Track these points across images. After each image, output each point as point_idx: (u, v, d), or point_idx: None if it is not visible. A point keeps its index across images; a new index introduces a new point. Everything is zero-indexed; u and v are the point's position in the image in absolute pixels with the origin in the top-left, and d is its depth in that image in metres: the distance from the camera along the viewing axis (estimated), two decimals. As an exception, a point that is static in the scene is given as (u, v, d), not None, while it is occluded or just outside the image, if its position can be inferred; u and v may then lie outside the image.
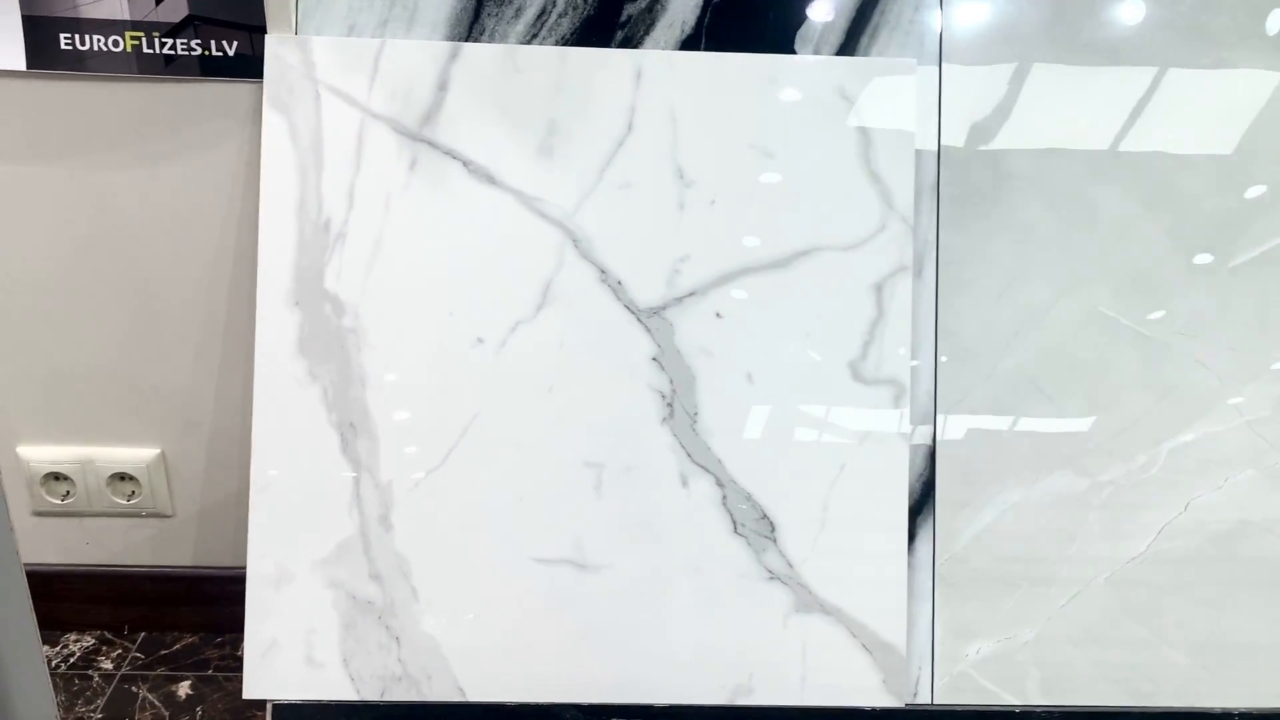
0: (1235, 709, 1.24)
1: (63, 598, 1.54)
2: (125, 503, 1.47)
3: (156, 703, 1.43)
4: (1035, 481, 1.24)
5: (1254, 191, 1.24)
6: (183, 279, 1.34)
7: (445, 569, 1.21)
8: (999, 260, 1.24)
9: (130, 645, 1.54)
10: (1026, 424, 1.24)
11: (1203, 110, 1.23)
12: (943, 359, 1.24)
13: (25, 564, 1.51)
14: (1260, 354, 1.24)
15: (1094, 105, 1.23)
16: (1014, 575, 1.24)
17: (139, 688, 1.46)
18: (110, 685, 1.46)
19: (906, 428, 1.22)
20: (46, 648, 1.52)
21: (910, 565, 1.24)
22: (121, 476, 1.46)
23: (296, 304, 1.20)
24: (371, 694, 1.20)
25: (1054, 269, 1.24)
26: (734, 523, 1.22)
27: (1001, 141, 1.24)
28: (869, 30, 1.24)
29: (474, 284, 1.21)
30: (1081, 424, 1.24)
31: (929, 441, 1.25)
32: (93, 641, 1.54)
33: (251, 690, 1.21)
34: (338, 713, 1.21)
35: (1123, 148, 1.23)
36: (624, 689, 1.22)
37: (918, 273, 1.24)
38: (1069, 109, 1.23)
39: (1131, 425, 1.24)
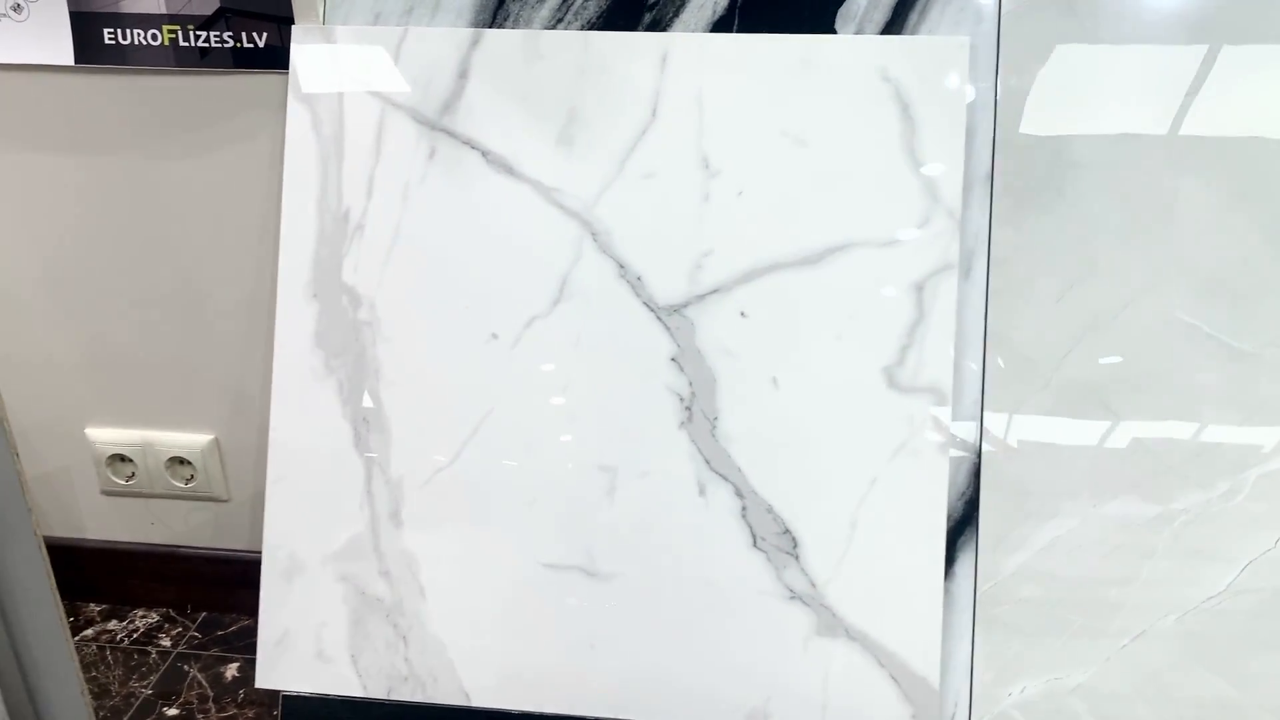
0: (1329, 778, 1.08)
1: (132, 574, 1.60)
2: (183, 486, 1.51)
3: (204, 683, 1.47)
4: (1096, 505, 1.11)
5: (1371, 182, 1.07)
6: (228, 268, 1.36)
7: (454, 569, 1.18)
8: (1060, 259, 1.12)
9: (190, 624, 1.58)
10: (1087, 440, 1.11)
11: (1310, 88, 1.07)
12: (992, 366, 1.13)
13: (97, 540, 1.58)
14: (1374, 370, 1.08)
15: (1174, 86, 1.09)
16: (1067, 608, 1.12)
17: (191, 666, 1.50)
18: (165, 662, 1.51)
19: (947, 440, 1.12)
20: (115, 622, 1.59)
21: (948, 591, 1.13)
22: (181, 461, 1.50)
23: (315, 295, 1.19)
24: (378, 691, 1.19)
25: (1124, 269, 1.11)
26: (754, 536, 1.14)
27: (1066, 127, 1.11)
28: (918, 6, 1.13)
29: (490, 277, 1.17)
30: (1152, 443, 1.10)
31: (973, 456, 1.13)
32: (157, 619, 1.60)
33: (264, 680, 1.21)
34: (345, 709, 1.20)
35: (1208, 133, 1.09)
36: (632, 704, 1.16)
37: (966, 272, 1.13)
38: (1145, 90, 1.09)
39: (1212, 447, 1.10)
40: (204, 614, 1.60)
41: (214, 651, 1.52)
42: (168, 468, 1.50)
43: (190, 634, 1.56)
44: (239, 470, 1.50)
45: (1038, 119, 1.11)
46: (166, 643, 1.55)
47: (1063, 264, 1.12)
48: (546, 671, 1.17)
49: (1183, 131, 1.09)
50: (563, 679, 1.17)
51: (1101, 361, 1.11)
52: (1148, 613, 1.11)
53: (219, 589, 1.58)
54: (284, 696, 1.21)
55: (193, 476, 1.50)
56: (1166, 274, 1.10)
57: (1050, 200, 1.12)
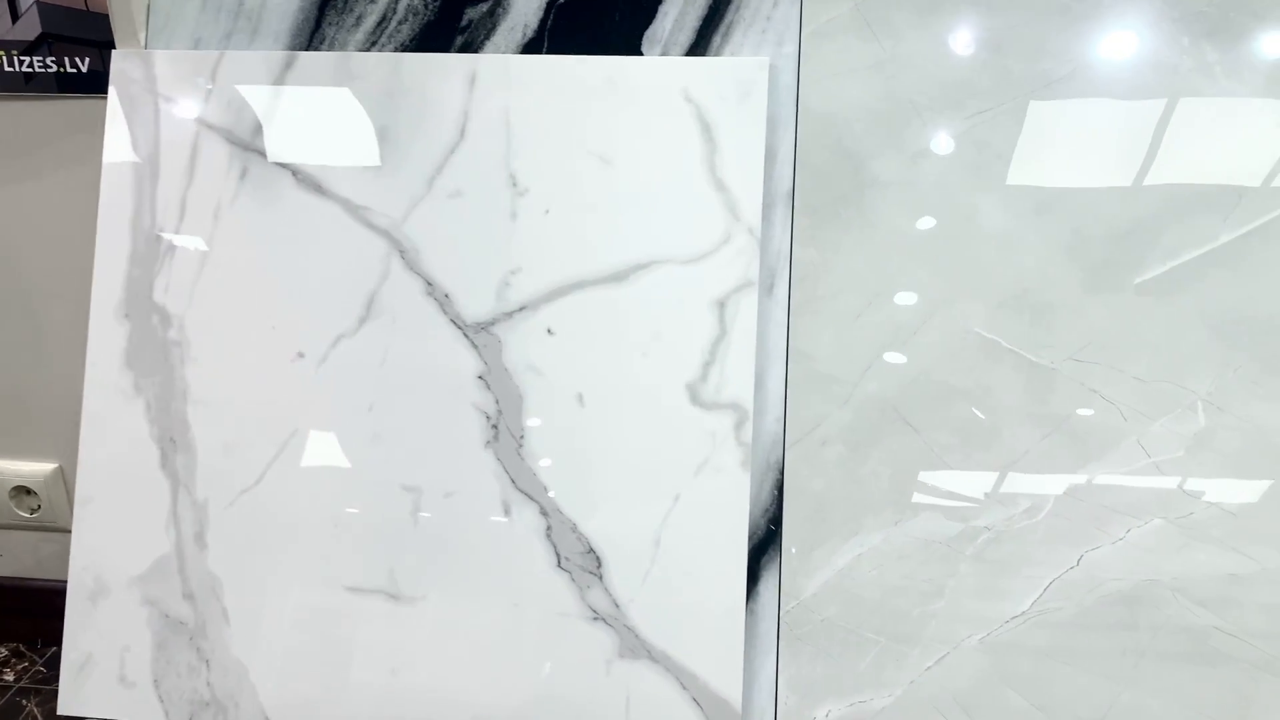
0: (1134, 802, 1.06)
1: (-16, 609, 1.58)
2: (29, 516, 1.49)
3: (39, 717, 1.43)
4: (897, 523, 1.10)
5: (1164, 197, 1.07)
6: (61, 292, 1.36)
7: (257, 592, 1.16)
8: (860, 276, 1.12)
9: (38, 659, 1.55)
10: (888, 458, 1.10)
11: (1104, 106, 1.08)
12: (793, 383, 1.12)
13: (-54, 573, 1.55)
14: (1172, 385, 1.07)
15: (974, 103, 1.10)
16: (871, 630, 1.10)
17: (29, 701, 1.46)
18: (4, 697, 1.47)
19: (749, 456, 1.11)
20: (-37, 657, 1.56)
21: (751, 612, 1.11)
22: (26, 490, 1.48)
23: (126, 315, 1.19)
24: (180, 717, 1.16)
25: (923, 285, 1.10)
26: (558, 556, 1.13)
27: (865, 146, 1.12)
28: (722, 28, 1.15)
29: (298, 296, 1.17)
30: (953, 461, 1.09)
31: (776, 473, 1.12)
32: (5, 653, 1.57)
33: (66, 706, 1.18)
34: (144, 736, 1.18)
35: (1006, 150, 1.09)
36: (435, 731, 1.14)
37: (768, 289, 1.13)
38: (942, 108, 1.10)
39: (1013, 464, 1.09)
40: (54, 648, 1.57)
41: (56, 686, 1.49)
42: (12, 497, 1.48)
43: (36, 668, 1.53)
44: (84, 500, 1.48)
45: (836, 137, 1.12)
46: (10, 677, 1.52)
47: (862, 281, 1.11)
48: (348, 697, 1.15)
49: (984, 154, 1.10)
50: (364, 705, 1.14)
51: (901, 377, 1.10)
52: (951, 634, 1.09)
53: (69, 623, 1.55)
54: (85, 724, 1.19)
55: (38, 506, 1.49)
56: (965, 289, 1.10)
57: (850, 218, 1.12)
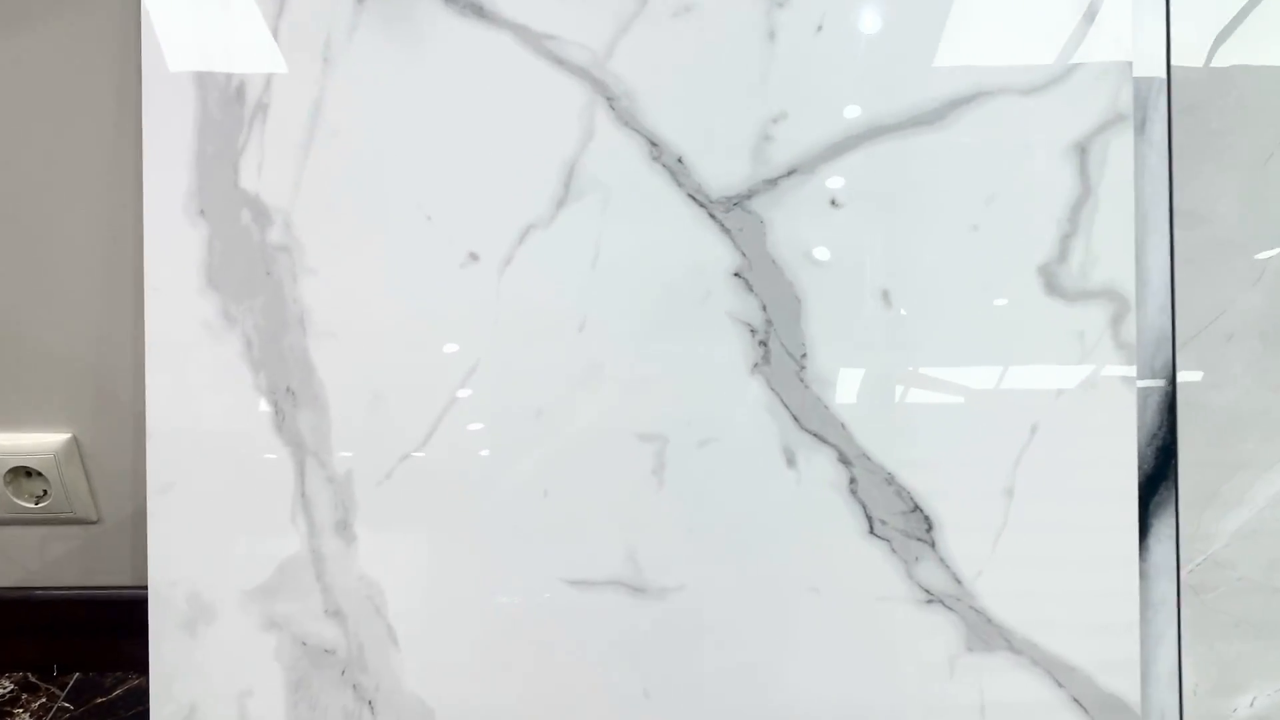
0: None
1: (-26, 630, 1.21)
2: (34, 506, 1.12)
3: (81, 771, 1.08)
4: (1336, 442, 0.81)
5: None
6: (71, 193, 0.97)
7: (436, 599, 0.83)
8: (1270, 100, 0.80)
9: (58, 691, 1.19)
10: (1319, 353, 0.81)
11: None
12: (1183, 258, 0.81)
13: (-82, 589, 1.17)
14: None
15: None
16: (1305, 587, 0.81)
17: (60, 750, 1.11)
18: (25, 748, 1.12)
19: (1131, 365, 0.80)
20: (-47, 696, 1.19)
21: (1144, 575, 0.82)
22: (27, 473, 1.11)
23: (201, 213, 0.81)
24: (337, 785, 0.83)
25: (1357, 110, 0.80)
26: (869, 519, 0.81)
27: (1268, -86, 0.80)
28: None
29: (460, 173, 0.82)
30: (1407, 350, 0.80)
31: (1164, 385, 0.82)
32: (11, 687, 1.21)
33: (164, 782, 0.84)
34: (288, 814, 0.84)
35: None
36: (710, 771, 0.83)
37: (1140, 126, 0.81)
38: None
39: None
40: (76, 675, 1.21)
41: (91, 725, 1.14)
42: (9, 483, 1.11)
43: (60, 703, 1.18)
44: (109, 479, 1.12)
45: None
46: (27, 718, 1.16)
47: (1274, 107, 0.80)
48: (583, 735, 0.82)
49: None
50: (607, 743, 0.82)
51: (1334, 240, 0.80)
52: None
53: (95, 641, 1.20)
54: (196, 804, 0.84)
55: (45, 493, 1.12)
56: None
57: (1252, 22, 0.80)
